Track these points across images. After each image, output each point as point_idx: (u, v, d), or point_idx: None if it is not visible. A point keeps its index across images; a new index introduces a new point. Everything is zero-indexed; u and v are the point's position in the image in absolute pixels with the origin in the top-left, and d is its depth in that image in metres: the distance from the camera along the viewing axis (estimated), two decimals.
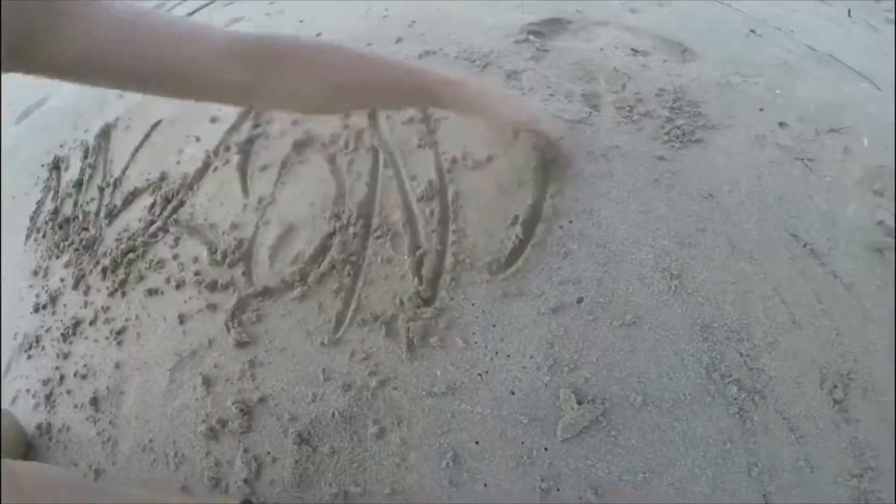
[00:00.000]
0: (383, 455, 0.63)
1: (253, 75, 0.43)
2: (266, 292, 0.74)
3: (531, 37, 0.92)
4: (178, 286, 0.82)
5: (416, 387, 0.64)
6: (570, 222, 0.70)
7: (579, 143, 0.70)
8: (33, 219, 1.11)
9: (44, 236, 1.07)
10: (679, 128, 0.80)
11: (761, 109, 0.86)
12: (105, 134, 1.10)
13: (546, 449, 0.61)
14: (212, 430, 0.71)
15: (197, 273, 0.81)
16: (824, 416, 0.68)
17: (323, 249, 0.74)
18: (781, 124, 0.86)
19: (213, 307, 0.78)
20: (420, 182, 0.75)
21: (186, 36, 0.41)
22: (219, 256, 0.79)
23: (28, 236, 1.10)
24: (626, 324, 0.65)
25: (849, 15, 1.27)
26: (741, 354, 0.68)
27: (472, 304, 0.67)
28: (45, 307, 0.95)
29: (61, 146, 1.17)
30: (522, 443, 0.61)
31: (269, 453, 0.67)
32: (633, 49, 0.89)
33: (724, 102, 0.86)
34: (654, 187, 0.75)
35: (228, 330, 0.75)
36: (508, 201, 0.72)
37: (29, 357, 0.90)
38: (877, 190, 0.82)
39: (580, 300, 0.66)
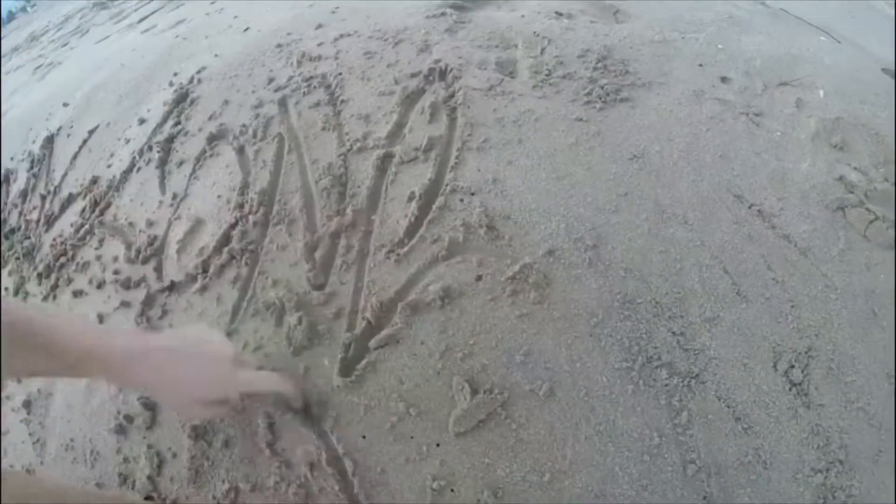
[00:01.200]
0: (274, 449, 0.57)
1: None
2: (172, 287, 0.70)
3: (449, 10, 0.86)
4: (99, 286, 0.79)
5: (304, 379, 0.58)
6: (472, 194, 0.63)
7: (297, 381, 0.55)
8: None
9: None
10: (602, 87, 0.72)
11: (700, 65, 0.76)
12: (48, 143, 1.11)
13: (438, 445, 0.53)
14: (121, 426, 0.67)
15: (115, 272, 0.79)
16: (779, 402, 0.57)
17: (225, 240, 0.69)
18: (724, 79, 0.75)
19: (126, 304, 0.75)
20: (319, 165, 0.70)
21: None
22: (133, 254, 0.77)
23: None
24: (532, 302, 0.57)
25: None
26: (673, 333, 0.58)
27: (363, 288, 0.60)
28: None
29: (11, 158, 1.20)
30: (412, 437, 0.53)
31: (169, 448, 0.63)
32: (556, 13, 0.82)
33: (657, 60, 0.76)
34: (570, 151, 0.67)
35: (138, 325, 0.72)
36: (408, 178, 0.66)
37: None
38: (836, 144, 0.70)
39: (479, 278, 0.59)
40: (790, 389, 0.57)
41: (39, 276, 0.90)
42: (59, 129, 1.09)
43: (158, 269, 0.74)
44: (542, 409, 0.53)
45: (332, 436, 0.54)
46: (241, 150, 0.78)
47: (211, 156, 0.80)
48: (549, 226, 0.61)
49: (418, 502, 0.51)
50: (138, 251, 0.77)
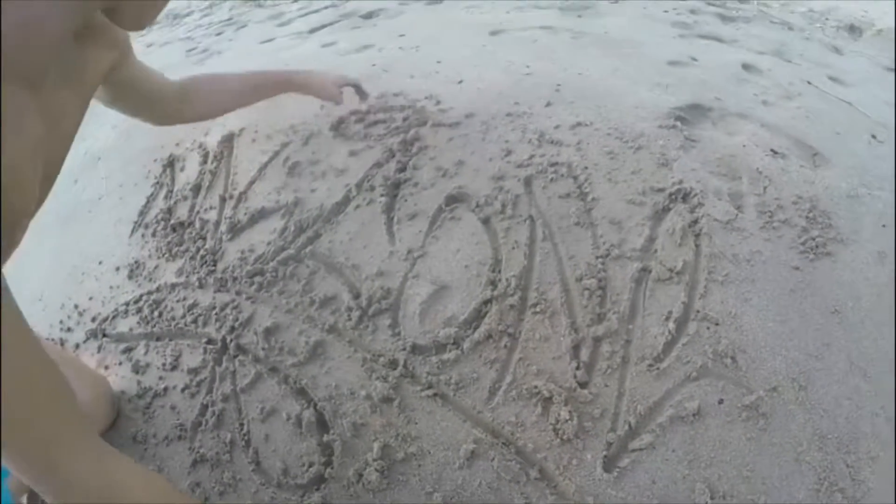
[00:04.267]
0: None
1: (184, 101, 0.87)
2: (416, 349, 0.80)
3: (676, 122, 0.97)
4: (306, 320, 0.86)
5: (567, 467, 0.70)
6: (717, 325, 0.77)
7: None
8: (142, 213, 1.12)
9: (153, 235, 1.08)
10: (813, 239, 0.87)
11: (884, 225, 0.93)
12: (227, 141, 1.10)
13: None
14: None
15: (334, 312, 0.85)
16: None
17: (478, 316, 0.79)
18: None
19: (356, 355, 0.82)
20: (578, 263, 0.80)
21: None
22: (363, 302, 0.84)
23: (134, 230, 1.11)
24: (758, 429, 0.72)
25: None
26: (847, 465, 0.77)
27: (625, 394, 0.74)
28: (147, 306, 0.97)
29: (177, 145, 1.17)
30: None
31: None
32: (772, 150, 0.95)
33: (851, 215, 0.92)
34: (789, 297, 0.82)
35: (380, 381, 0.77)
36: (663, 296, 0.78)
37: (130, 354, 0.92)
38: None
39: (721, 402, 0.74)
40: None
41: (221, 283, 0.94)
42: (242, 130, 1.08)
43: (394, 326, 0.82)
44: None
45: None
46: (486, 222, 0.85)
47: (451, 218, 0.87)
48: (774, 364, 0.77)
49: None
50: (369, 300, 0.84)
